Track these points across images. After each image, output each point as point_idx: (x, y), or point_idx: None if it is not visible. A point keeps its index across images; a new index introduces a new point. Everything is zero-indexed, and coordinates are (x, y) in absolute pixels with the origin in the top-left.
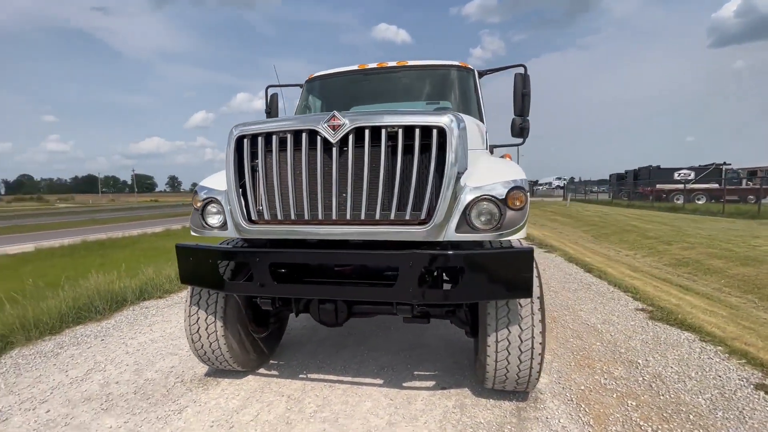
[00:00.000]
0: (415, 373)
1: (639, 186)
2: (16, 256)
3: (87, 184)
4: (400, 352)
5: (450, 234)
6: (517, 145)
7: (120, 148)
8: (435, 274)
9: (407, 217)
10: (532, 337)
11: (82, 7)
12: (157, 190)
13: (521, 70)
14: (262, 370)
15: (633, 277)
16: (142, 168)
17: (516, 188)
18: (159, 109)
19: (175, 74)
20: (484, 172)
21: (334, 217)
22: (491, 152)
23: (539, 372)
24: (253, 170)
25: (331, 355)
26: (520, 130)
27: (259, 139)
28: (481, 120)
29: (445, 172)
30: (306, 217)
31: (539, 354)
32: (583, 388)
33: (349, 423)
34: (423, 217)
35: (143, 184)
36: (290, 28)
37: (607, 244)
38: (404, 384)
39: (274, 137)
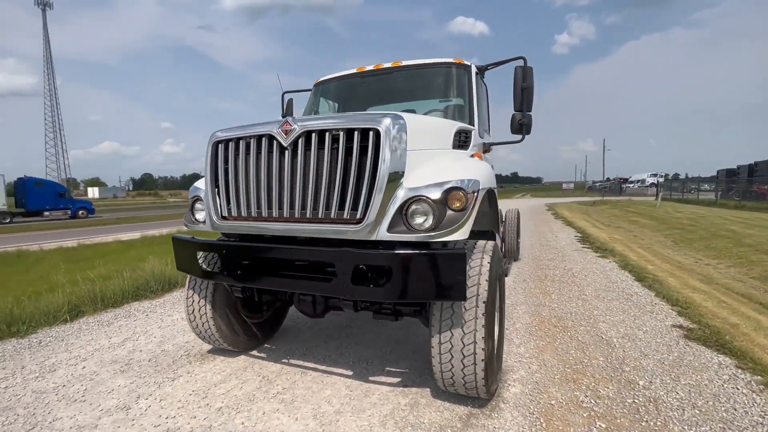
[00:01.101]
0: (387, 368)
1: (755, 184)
2: (125, 242)
3: (193, 181)
4: (382, 348)
5: (382, 233)
6: (516, 142)
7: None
8: (370, 271)
9: (346, 216)
10: (474, 342)
11: (191, 26)
12: None
13: (521, 62)
14: (254, 352)
15: (697, 290)
16: None
17: (455, 189)
18: (252, 113)
19: (265, 81)
20: (430, 173)
21: (285, 215)
22: (486, 151)
23: (484, 379)
24: (226, 172)
25: (319, 344)
26: (520, 126)
27: (230, 144)
28: (471, 118)
29: (378, 172)
30: (264, 215)
31: (482, 360)
32: (554, 402)
33: (302, 406)
34: (358, 216)
35: None
36: (365, 29)
37: (688, 251)
38: (371, 378)
39: (241, 142)
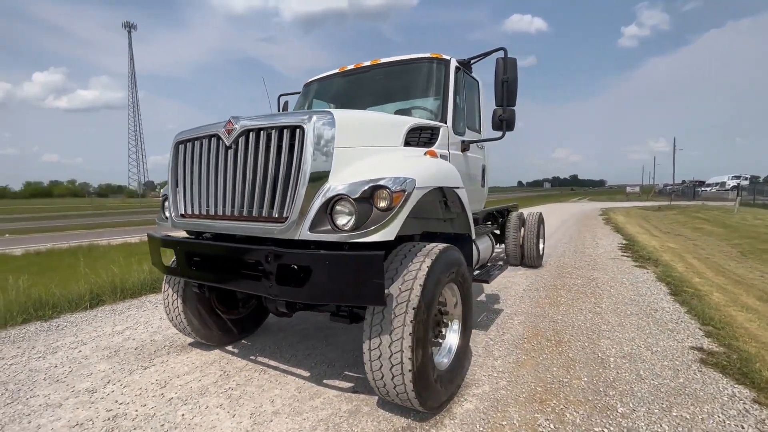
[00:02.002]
0: (346, 372)
1: None
2: None
3: None
4: (352, 351)
5: (304, 233)
6: (496, 139)
7: None
8: (293, 271)
9: (274, 215)
10: (401, 350)
11: (253, 39)
12: None
13: (502, 54)
14: (230, 347)
15: (746, 308)
16: None
17: (380, 187)
18: None
19: None
20: (360, 171)
21: (228, 212)
22: (464, 149)
23: (414, 391)
24: (184, 171)
25: (292, 343)
26: (500, 122)
27: (188, 144)
28: (443, 114)
29: (300, 170)
30: (211, 213)
31: (409, 371)
32: (505, 424)
33: (245, 404)
34: (284, 215)
35: None
36: (418, 32)
37: (756, 264)
38: (325, 381)
39: (196, 142)
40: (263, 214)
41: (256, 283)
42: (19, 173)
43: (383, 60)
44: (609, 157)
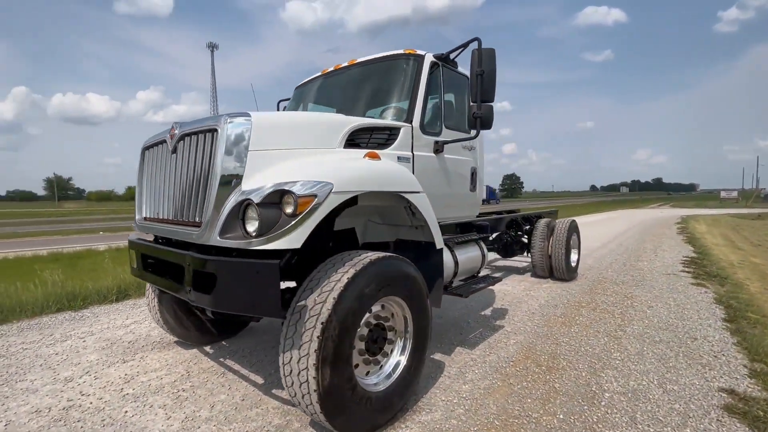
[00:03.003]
0: None
1: None
2: None
3: None
4: None
5: (214, 238)
6: (470, 138)
7: None
8: (205, 277)
9: (195, 219)
10: (306, 368)
11: (320, 51)
12: None
13: (476, 45)
14: (208, 348)
15: None
16: None
17: (285, 192)
18: None
19: None
20: (275, 175)
21: (168, 216)
22: (438, 150)
23: (322, 412)
24: (145, 176)
25: (266, 348)
26: (474, 119)
27: (149, 150)
28: (410, 113)
29: (211, 174)
30: (159, 216)
31: (315, 390)
32: None
33: (187, 405)
34: (200, 219)
35: None
36: (483, 33)
37: None
38: (273, 390)
39: (154, 148)
40: (188, 218)
41: (181, 287)
42: (124, 179)
43: (359, 60)
44: (701, 158)
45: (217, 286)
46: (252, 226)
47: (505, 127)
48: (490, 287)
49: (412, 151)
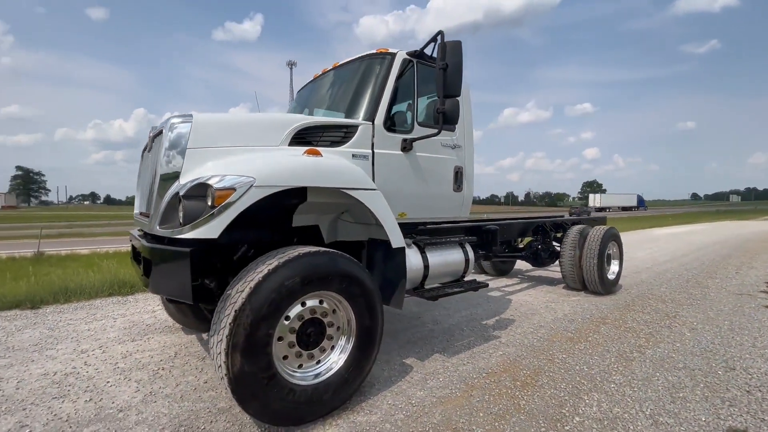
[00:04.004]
0: None
1: None
2: None
3: None
4: None
5: (155, 227)
6: (432, 135)
7: None
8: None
9: (151, 211)
10: (220, 353)
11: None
12: None
13: (441, 38)
14: (205, 334)
15: None
16: None
17: (206, 186)
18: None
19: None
20: (209, 170)
21: (143, 210)
22: (406, 148)
23: (236, 397)
24: (140, 173)
25: None
26: (437, 115)
27: (144, 150)
28: (374, 111)
29: (157, 170)
30: (143, 211)
31: (226, 375)
32: None
33: (156, 382)
34: (150, 211)
35: None
36: (561, 32)
37: None
38: None
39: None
40: (149, 211)
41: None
42: None
43: (340, 63)
44: None
45: (152, 271)
46: (180, 215)
47: (585, 130)
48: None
49: (372, 149)
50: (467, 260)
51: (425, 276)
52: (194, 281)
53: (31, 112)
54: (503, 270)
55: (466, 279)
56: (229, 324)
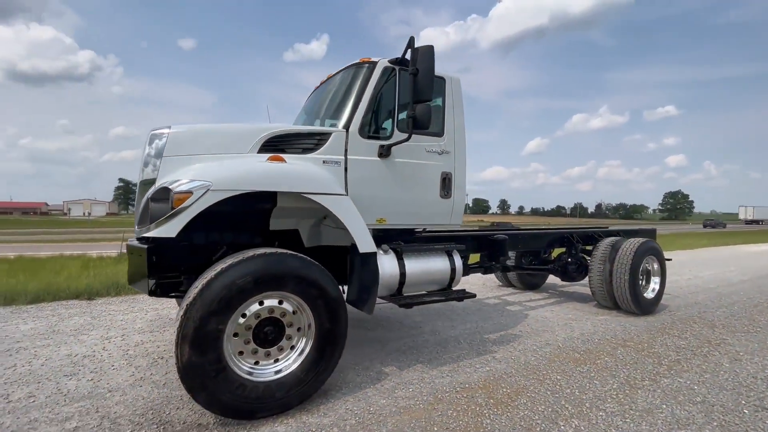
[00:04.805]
0: None
1: None
2: None
3: None
4: None
5: (136, 229)
6: (402, 141)
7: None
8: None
9: None
10: (174, 342)
11: (452, 71)
12: (490, 212)
13: (412, 45)
14: None
15: None
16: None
17: (166, 189)
18: (501, 141)
19: (515, 108)
20: (178, 175)
21: None
22: (383, 154)
23: (183, 384)
24: None
25: None
26: (408, 120)
27: None
28: (350, 118)
29: (139, 175)
30: None
31: (176, 364)
32: None
33: (153, 369)
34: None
35: (480, 206)
36: (637, 31)
37: None
38: None
39: None
40: None
41: None
42: None
43: (333, 73)
44: None
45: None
46: (148, 218)
47: (668, 136)
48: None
49: (345, 156)
50: (453, 269)
51: (402, 283)
52: (152, 276)
53: (133, 132)
54: (532, 284)
55: (455, 288)
56: (181, 317)
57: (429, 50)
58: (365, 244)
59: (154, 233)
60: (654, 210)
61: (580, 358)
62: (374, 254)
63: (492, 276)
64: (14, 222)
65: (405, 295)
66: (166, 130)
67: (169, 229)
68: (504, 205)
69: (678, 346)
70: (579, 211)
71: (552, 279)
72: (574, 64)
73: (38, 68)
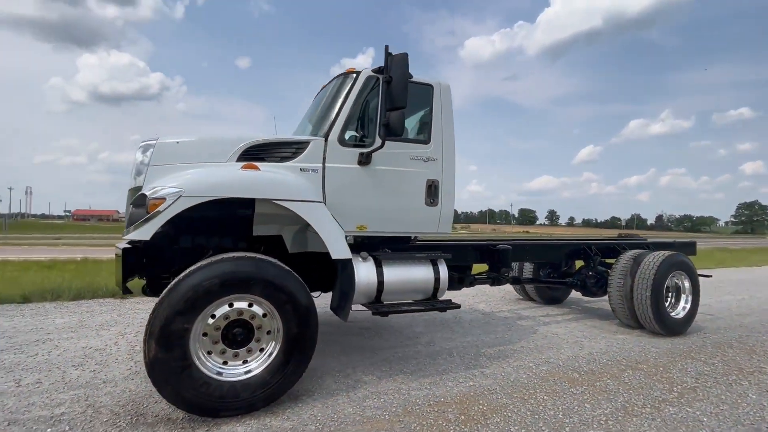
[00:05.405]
0: None
1: None
2: None
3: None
4: None
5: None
6: (377, 149)
7: (516, 186)
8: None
9: None
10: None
11: (497, 80)
12: (537, 223)
13: (387, 52)
14: None
15: None
16: (529, 203)
17: (142, 195)
18: (549, 150)
19: (564, 116)
20: (160, 183)
21: None
22: (362, 161)
23: (150, 378)
24: None
25: None
26: (381, 127)
27: None
28: (331, 127)
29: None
30: None
31: (143, 358)
32: None
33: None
34: None
35: (527, 217)
36: (703, 29)
37: None
38: None
39: None
40: None
41: None
42: None
43: (326, 83)
44: None
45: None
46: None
47: (742, 141)
48: (540, 326)
49: (323, 163)
50: (438, 278)
51: (380, 291)
52: (126, 275)
53: None
54: (553, 298)
55: (441, 298)
56: (150, 314)
57: (403, 57)
58: (337, 250)
59: (131, 236)
60: (726, 222)
61: (579, 378)
62: (350, 261)
63: (511, 288)
64: (90, 228)
65: (384, 303)
66: (153, 142)
67: (144, 232)
68: (553, 216)
69: (699, 372)
70: (636, 222)
71: (577, 294)
72: (631, 66)
73: (116, 90)
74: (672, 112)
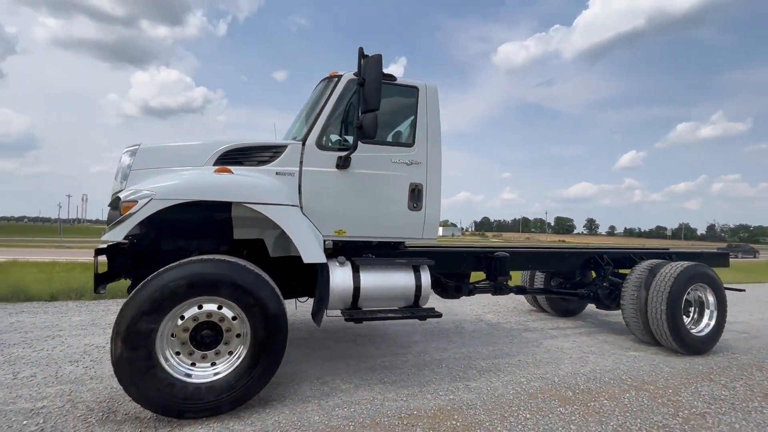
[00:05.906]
0: None
1: None
2: None
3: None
4: None
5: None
6: (350, 153)
7: (552, 193)
8: None
9: None
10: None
11: (531, 86)
12: (575, 232)
13: (361, 54)
14: None
15: None
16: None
17: (117, 198)
18: (587, 156)
19: (603, 121)
20: (138, 186)
21: None
22: (341, 165)
23: (115, 376)
24: None
25: None
26: (354, 130)
27: None
28: (309, 131)
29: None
30: None
31: (110, 357)
32: None
33: None
34: None
35: (564, 225)
36: (759, 24)
37: None
38: None
39: None
40: None
41: None
42: None
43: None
44: None
45: None
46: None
47: None
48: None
49: (300, 167)
50: (419, 286)
51: (356, 297)
52: (112, 276)
53: None
54: (567, 310)
55: (424, 306)
56: (118, 313)
57: (376, 59)
58: (309, 254)
59: (105, 236)
60: None
61: (572, 397)
62: (325, 265)
63: (523, 299)
64: None
65: (362, 309)
66: (136, 147)
67: (117, 233)
68: (591, 225)
69: (714, 396)
70: (684, 232)
71: (594, 307)
72: (677, 67)
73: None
74: (725, 114)
